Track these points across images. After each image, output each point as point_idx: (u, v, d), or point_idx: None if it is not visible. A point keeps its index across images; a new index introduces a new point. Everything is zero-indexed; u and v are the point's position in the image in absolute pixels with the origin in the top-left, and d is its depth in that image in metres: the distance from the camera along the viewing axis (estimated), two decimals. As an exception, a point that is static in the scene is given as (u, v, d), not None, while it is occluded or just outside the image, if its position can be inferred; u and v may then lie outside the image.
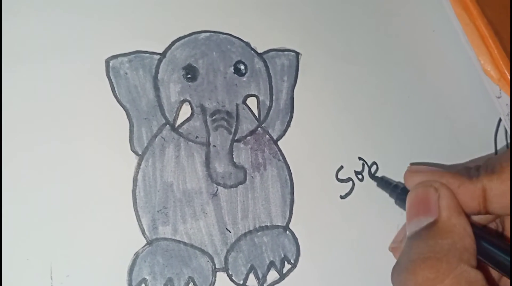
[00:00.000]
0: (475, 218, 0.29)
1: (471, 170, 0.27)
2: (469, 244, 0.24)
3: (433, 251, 0.23)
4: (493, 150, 0.38)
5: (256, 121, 0.31)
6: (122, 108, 0.29)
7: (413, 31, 0.37)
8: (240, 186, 0.31)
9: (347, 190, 0.33)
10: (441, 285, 0.22)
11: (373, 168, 0.34)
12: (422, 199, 0.26)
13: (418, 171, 0.29)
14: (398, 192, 0.31)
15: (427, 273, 0.22)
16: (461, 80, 0.38)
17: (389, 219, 0.34)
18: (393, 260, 0.34)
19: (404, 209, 0.28)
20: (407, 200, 0.28)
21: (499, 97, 0.35)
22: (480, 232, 0.25)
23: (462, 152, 0.37)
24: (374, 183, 0.34)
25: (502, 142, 0.39)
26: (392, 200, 0.34)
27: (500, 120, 0.38)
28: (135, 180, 0.28)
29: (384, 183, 0.33)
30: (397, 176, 0.35)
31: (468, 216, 0.26)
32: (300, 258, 0.31)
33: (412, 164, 0.35)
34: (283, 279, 0.31)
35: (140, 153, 0.29)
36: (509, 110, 0.35)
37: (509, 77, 0.33)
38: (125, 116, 0.29)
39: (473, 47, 0.34)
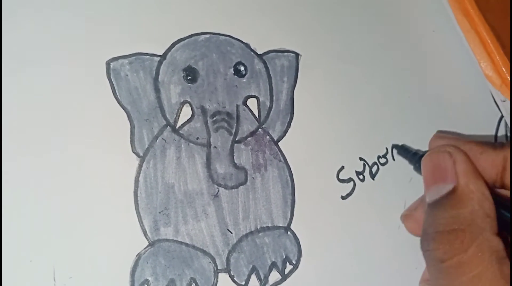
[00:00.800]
0: None
1: (495, 143, 0.27)
2: (489, 209, 0.25)
3: (456, 223, 0.24)
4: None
5: (256, 122, 0.32)
6: (123, 110, 0.29)
7: (413, 32, 0.37)
8: (241, 187, 0.31)
9: (348, 191, 0.33)
10: (464, 254, 0.23)
11: (374, 169, 0.34)
12: (438, 165, 0.27)
13: (444, 137, 0.29)
14: (417, 158, 0.31)
15: (453, 243, 0.24)
16: (461, 80, 0.38)
17: (390, 220, 0.34)
18: (394, 261, 0.34)
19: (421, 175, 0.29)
20: (422, 164, 0.28)
21: (504, 101, 0.35)
22: (497, 197, 0.26)
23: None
24: (375, 184, 0.34)
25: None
26: (393, 201, 0.34)
27: (500, 120, 0.38)
28: (136, 181, 0.28)
29: (404, 150, 0.33)
30: (399, 175, 0.35)
31: (486, 182, 0.26)
32: (302, 259, 0.31)
33: (439, 131, 0.35)
34: (285, 279, 0.31)
35: (141, 154, 0.29)
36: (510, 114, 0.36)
37: (510, 83, 0.33)
38: (126, 118, 0.29)
39: (474, 53, 0.34)
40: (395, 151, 0.35)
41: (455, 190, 0.25)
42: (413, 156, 0.32)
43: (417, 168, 0.31)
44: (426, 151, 0.31)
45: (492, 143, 0.27)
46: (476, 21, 0.33)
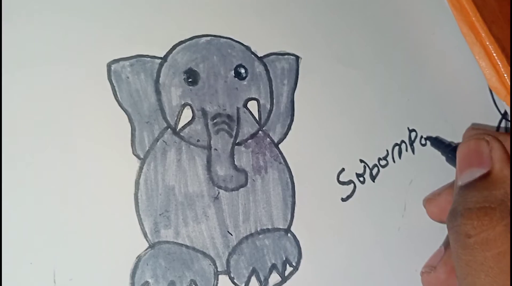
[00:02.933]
0: None
1: None
2: None
3: (488, 201, 0.25)
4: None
5: (257, 124, 0.32)
6: (123, 112, 0.29)
7: (412, 34, 0.37)
8: (241, 189, 0.31)
9: (349, 193, 0.33)
10: (492, 231, 0.24)
11: (375, 171, 0.34)
12: (475, 151, 0.28)
13: (478, 129, 0.31)
14: (449, 150, 0.33)
15: (482, 220, 0.25)
16: (461, 83, 0.38)
17: (391, 222, 0.34)
18: (394, 263, 0.34)
19: (454, 166, 0.30)
20: (458, 150, 0.30)
21: None
22: None
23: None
24: (376, 186, 0.34)
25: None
26: (393, 203, 0.34)
27: (500, 122, 0.38)
28: (137, 183, 0.29)
29: (438, 142, 0.35)
30: (399, 178, 0.35)
31: None
32: (302, 261, 0.31)
33: (473, 124, 0.37)
34: (285, 281, 0.31)
35: (142, 156, 0.29)
36: None
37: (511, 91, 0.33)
38: (127, 120, 0.29)
39: (480, 65, 0.34)
40: (428, 142, 0.36)
41: (489, 173, 0.26)
42: (446, 148, 0.33)
43: (450, 159, 0.33)
44: (459, 143, 0.31)
45: None
46: (481, 34, 0.33)
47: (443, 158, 0.35)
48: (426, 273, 0.33)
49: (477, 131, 0.32)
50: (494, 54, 0.33)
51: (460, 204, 0.27)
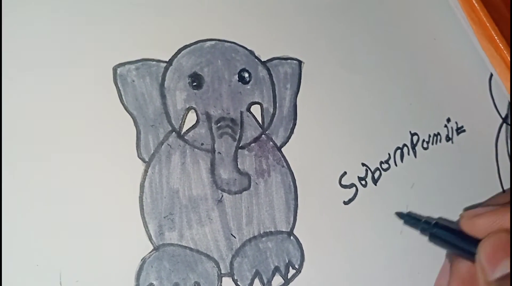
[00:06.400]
0: None
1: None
2: None
3: None
4: (493, 156, 0.39)
5: (260, 128, 0.32)
6: (129, 116, 0.29)
7: (414, 40, 0.38)
8: (244, 192, 0.31)
9: (351, 196, 0.34)
10: None
11: (376, 174, 0.34)
12: (501, 246, 0.29)
13: (478, 214, 0.31)
14: (430, 226, 0.31)
15: None
16: (462, 88, 0.38)
17: (393, 225, 0.34)
18: (396, 266, 0.34)
19: (439, 245, 0.31)
20: (483, 249, 0.29)
21: None
22: None
23: (463, 159, 0.37)
24: (377, 189, 0.34)
25: (502, 148, 0.39)
26: (395, 206, 0.34)
27: (501, 126, 0.38)
28: (142, 186, 0.29)
29: (413, 219, 0.33)
30: (401, 181, 0.35)
31: None
32: (305, 263, 0.32)
33: (465, 209, 0.36)
34: (288, 284, 0.31)
35: (147, 160, 0.29)
36: None
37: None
38: (132, 124, 0.29)
39: (499, 76, 0.35)
40: (401, 220, 0.33)
41: None
42: (425, 225, 0.32)
43: (433, 240, 0.31)
44: (436, 219, 0.32)
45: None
46: (501, 47, 0.34)
47: (445, 162, 0.36)
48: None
49: (479, 218, 0.31)
50: None
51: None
